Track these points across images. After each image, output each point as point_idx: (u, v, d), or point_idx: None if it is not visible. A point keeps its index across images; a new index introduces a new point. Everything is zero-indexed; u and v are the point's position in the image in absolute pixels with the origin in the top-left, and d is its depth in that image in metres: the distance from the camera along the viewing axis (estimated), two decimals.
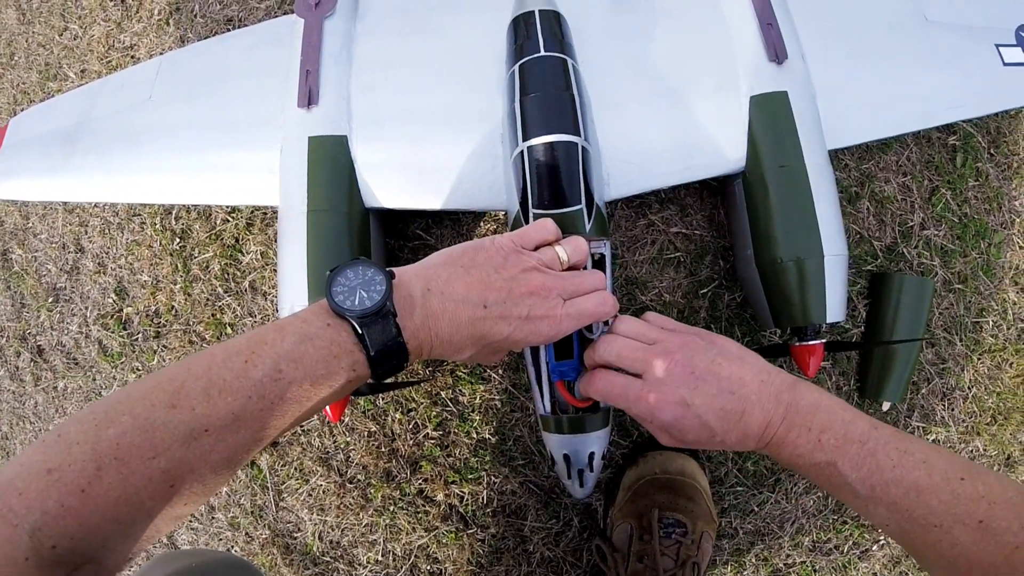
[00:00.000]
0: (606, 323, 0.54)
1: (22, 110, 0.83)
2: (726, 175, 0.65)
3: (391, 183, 0.66)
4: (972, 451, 0.80)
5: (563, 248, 0.50)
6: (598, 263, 0.60)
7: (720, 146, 0.63)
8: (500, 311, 0.44)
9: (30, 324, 0.91)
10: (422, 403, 0.75)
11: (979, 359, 0.80)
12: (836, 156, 0.78)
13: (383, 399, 0.76)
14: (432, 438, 0.75)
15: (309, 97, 0.67)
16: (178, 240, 0.83)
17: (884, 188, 0.78)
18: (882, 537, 0.77)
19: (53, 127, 0.75)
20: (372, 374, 0.41)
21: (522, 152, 0.58)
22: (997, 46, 0.70)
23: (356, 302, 0.40)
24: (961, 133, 0.81)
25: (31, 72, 0.95)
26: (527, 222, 0.58)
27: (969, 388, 0.80)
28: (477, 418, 0.74)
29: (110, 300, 0.86)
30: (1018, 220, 0.83)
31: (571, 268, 0.50)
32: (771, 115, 0.63)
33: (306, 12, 0.71)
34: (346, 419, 0.76)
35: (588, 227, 0.57)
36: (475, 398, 0.74)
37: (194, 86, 0.74)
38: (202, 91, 0.73)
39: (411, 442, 0.75)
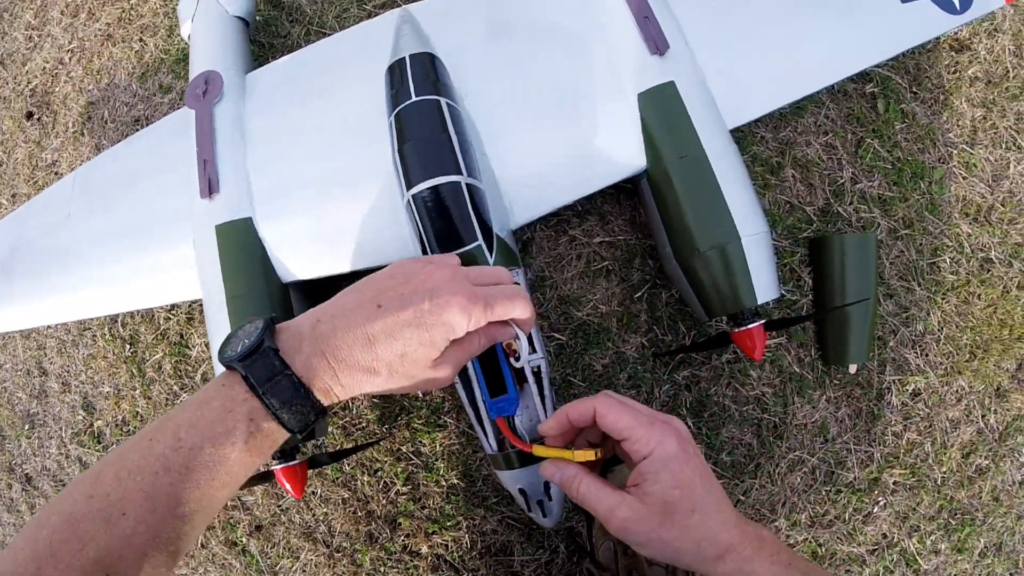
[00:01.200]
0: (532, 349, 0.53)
1: None
2: (631, 176, 0.63)
3: (302, 254, 0.65)
4: (958, 391, 0.77)
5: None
6: None
7: (616, 150, 0.62)
8: (398, 305, 0.41)
9: (14, 455, 0.91)
10: (386, 461, 0.74)
11: (944, 299, 0.77)
12: (750, 130, 0.76)
13: (349, 464, 0.75)
14: (403, 493, 0.73)
15: (210, 186, 0.67)
16: (128, 346, 0.83)
17: (807, 152, 0.76)
18: (882, 496, 0.74)
19: None
20: (283, 423, 0.39)
21: (409, 201, 0.57)
22: None
23: (238, 349, 0.40)
24: (878, 79, 0.79)
25: None
26: None
27: (940, 330, 0.77)
28: (442, 466, 0.73)
29: (80, 417, 0.86)
30: (956, 152, 0.80)
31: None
32: (662, 108, 0.61)
33: (195, 103, 0.71)
34: (318, 491, 0.75)
35: (491, 260, 0.56)
36: (435, 446, 0.73)
37: (107, 195, 0.74)
38: (115, 198, 0.74)
39: (384, 501, 0.74)
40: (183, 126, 0.72)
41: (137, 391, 0.82)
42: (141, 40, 0.89)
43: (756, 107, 0.64)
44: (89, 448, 0.85)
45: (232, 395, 0.39)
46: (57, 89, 0.92)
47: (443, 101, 0.59)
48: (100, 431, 0.85)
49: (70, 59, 0.92)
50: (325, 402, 0.41)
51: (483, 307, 0.42)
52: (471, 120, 0.63)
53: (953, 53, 0.83)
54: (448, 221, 0.55)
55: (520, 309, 0.45)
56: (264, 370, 0.39)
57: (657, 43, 0.62)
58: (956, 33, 0.85)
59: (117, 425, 0.84)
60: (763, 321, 0.61)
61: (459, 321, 0.41)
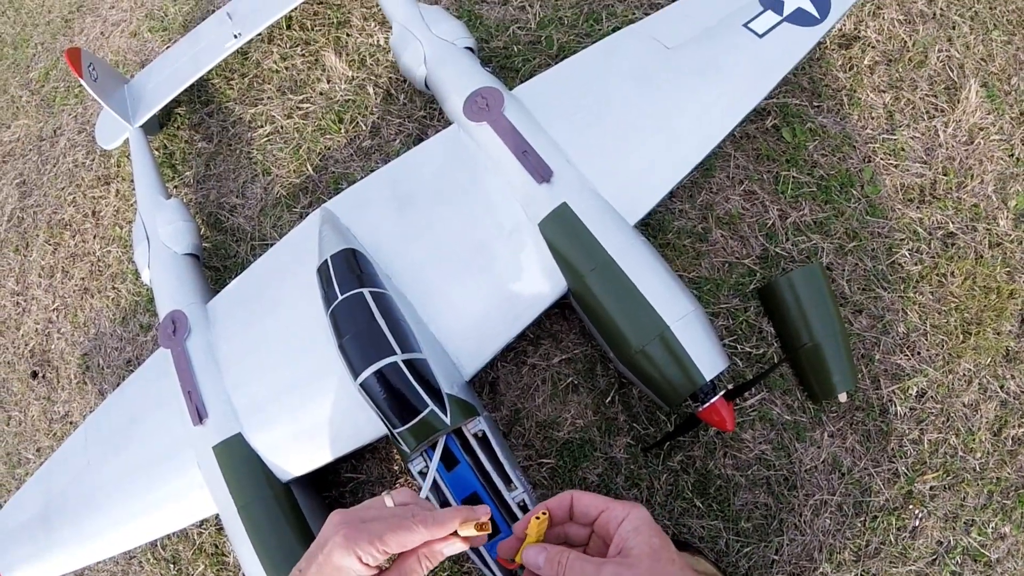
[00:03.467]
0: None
1: (4, 502, 0.94)
2: (559, 299, 0.68)
3: (292, 454, 0.72)
4: (965, 374, 0.77)
5: (389, 496, 0.51)
6: (482, 440, 0.64)
7: (536, 280, 0.68)
8: (307, 566, 0.45)
9: None
10: None
11: (916, 292, 0.79)
12: (667, 208, 0.81)
13: None
14: None
15: (199, 413, 0.75)
16: (172, 566, 0.91)
17: (728, 206, 0.80)
18: (922, 507, 0.74)
19: (27, 516, 0.86)
20: None
21: (359, 388, 0.64)
22: (745, 24, 0.74)
23: None
24: (775, 110, 0.83)
25: None
26: (396, 441, 0.64)
27: (923, 323, 0.78)
28: None
29: None
30: (878, 145, 0.83)
31: None
32: (562, 230, 0.67)
33: (168, 342, 0.80)
34: None
35: (448, 419, 0.62)
36: None
37: (115, 440, 0.84)
38: (122, 442, 0.83)
39: None
40: (164, 364, 0.81)
41: None
42: (115, 288, 1.01)
43: (651, 196, 0.69)
44: None
45: None
46: (52, 346, 1.04)
47: (366, 292, 0.67)
48: None
49: (57, 317, 1.05)
50: None
51: (367, 541, 0.45)
52: (401, 294, 0.70)
53: (843, 51, 0.87)
54: (397, 397, 0.62)
55: (421, 530, 0.47)
56: None
57: (541, 172, 0.69)
58: (840, 29, 0.89)
59: None
60: (721, 393, 0.64)
61: (348, 562, 0.44)
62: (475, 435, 0.65)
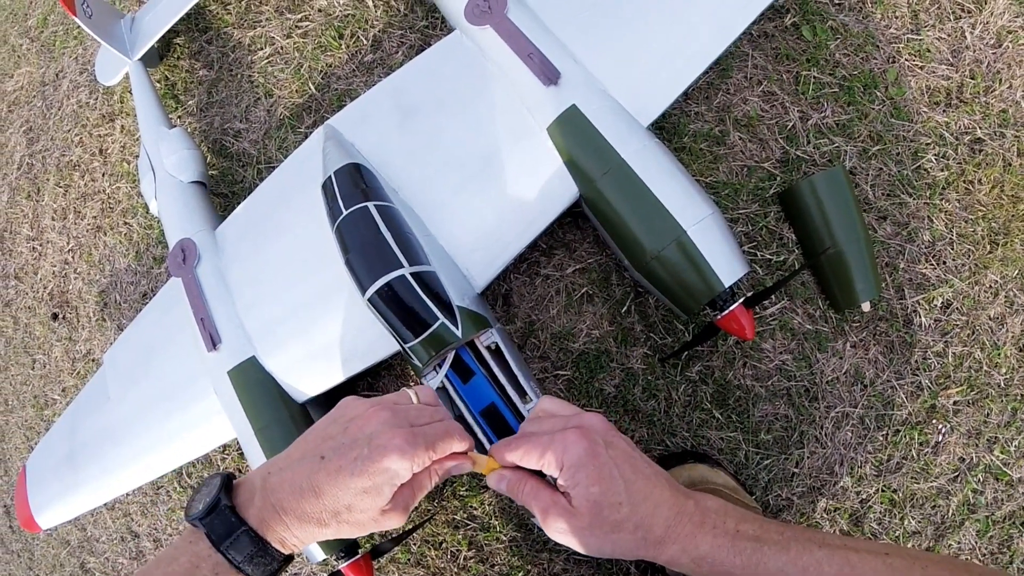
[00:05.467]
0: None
1: (35, 444, 0.94)
2: (571, 206, 0.64)
3: (306, 374, 0.70)
4: (991, 286, 0.72)
5: (413, 392, 0.49)
6: (496, 352, 0.61)
7: (546, 187, 0.64)
8: (338, 454, 0.42)
9: None
10: (446, 532, 0.77)
11: (942, 199, 0.73)
12: (682, 111, 0.76)
13: (415, 545, 0.79)
14: (471, 558, 0.77)
15: (212, 340, 0.73)
16: None
17: (746, 109, 0.75)
18: (945, 422, 0.71)
19: (56, 456, 0.86)
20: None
21: (367, 303, 0.61)
22: None
23: (199, 507, 0.42)
24: (794, 7, 0.77)
25: (26, 409, 1.08)
26: (408, 356, 0.61)
27: (949, 231, 0.73)
28: (497, 523, 0.76)
29: None
30: (902, 45, 0.76)
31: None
32: (572, 133, 0.63)
33: (179, 270, 0.78)
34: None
35: (459, 332, 0.59)
36: (485, 507, 0.76)
37: (134, 372, 0.82)
38: (140, 373, 0.81)
39: (456, 569, 0.78)
40: (176, 293, 0.79)
41: None
42: (126, 223, 0.98)
43: (664, 95, 0.64)
44: None
45: (198, 551, 0.41)
46: (70, 287, 1.03)
47: (370, 206, 0.63)
48: None
49: (73, 257, 1.03)
50: (285, 551, 0.43)
51: (424, 448, 0.42)
52: (408, 207, 0.67)
53: None
54: (406, 311, 0.59)
55: (459, 443, 0.45)
56: (223, 527, 0.41)
57: (548, 74, 0.63)
58: None
59: None
60: (741, 300, 0.60)
61: (401, 466, 0.42)
62: (488, 347, 0.62)
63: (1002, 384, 0.71)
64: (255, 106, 0.91)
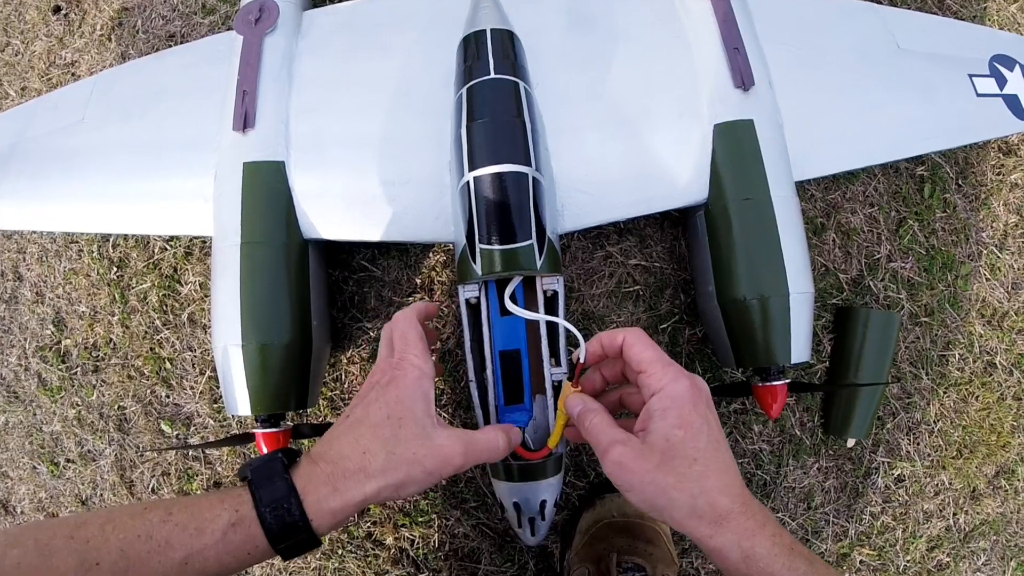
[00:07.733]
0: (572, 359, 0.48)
1: None
2: (687, 207, 0.59)
3: (331, 213, 0.59)
4: (938, 485, 0.75)
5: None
6: (551, 300, 0.54)
7: (681, 176, 0.57)
8: (367, 386, 0.43)
9: None
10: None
11: (945, 393, 0.75)
12: (801, 186, 0.73)
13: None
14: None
15: (245, 120, 0.60)
16: (115, 269, 0.75)
17: (851, 219, 0.73)
18: (848, 573, 0.72)
19: None
20: (261, 518, 0.38)
21: (468, 183, 0.51)
22: (971, 76, 0.66)
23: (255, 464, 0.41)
24: (929, 163, 0.76)
25: None
26: (473, 257, 0.52)
27: (935, 422, 0.75)
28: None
29: (48, 332, 0.77)
30: (985, 252, 0.78)
31: None
32: (736, 144, 0.57)
33: (245, 29, 0.64)
34: None
35: (539, 263, 0.51)
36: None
37: (128, 106, 0.67)
38: (136, 111, 0.66)
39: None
40: (226, 50, 0.65)
41: (115, 317, 0.74)
42: None
43: (824, 164, 0.60)
44: (52, 365, 0.76)
45: (233, 492, 0.40)
46: None
47: (521, 85, 0.54)
48: (67, 351, 0.76)
49: None
50: (316, 519, 0.39)
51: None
52: (539, 112, 0.58)
53: (1000, 155, 0.81)
54: (506, 212, 0.50)
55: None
56: (265, 470, 0.40)
57: (744, 77, 0.58)
58: (1007, 136, 0.83)
59: (86, 348, 0.75)
60: (788, 381, 0.57)
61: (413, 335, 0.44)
62: (545, 292, 0.54)
63: (902, 568, 0.73)
64: None
